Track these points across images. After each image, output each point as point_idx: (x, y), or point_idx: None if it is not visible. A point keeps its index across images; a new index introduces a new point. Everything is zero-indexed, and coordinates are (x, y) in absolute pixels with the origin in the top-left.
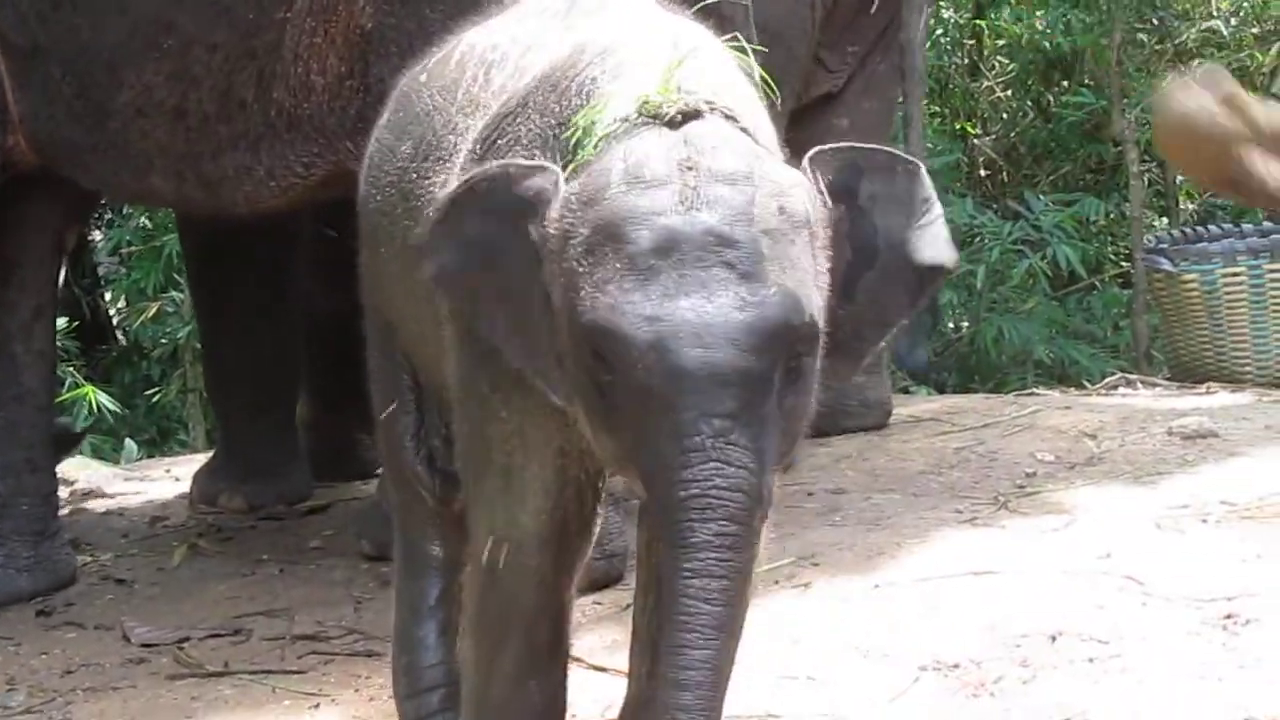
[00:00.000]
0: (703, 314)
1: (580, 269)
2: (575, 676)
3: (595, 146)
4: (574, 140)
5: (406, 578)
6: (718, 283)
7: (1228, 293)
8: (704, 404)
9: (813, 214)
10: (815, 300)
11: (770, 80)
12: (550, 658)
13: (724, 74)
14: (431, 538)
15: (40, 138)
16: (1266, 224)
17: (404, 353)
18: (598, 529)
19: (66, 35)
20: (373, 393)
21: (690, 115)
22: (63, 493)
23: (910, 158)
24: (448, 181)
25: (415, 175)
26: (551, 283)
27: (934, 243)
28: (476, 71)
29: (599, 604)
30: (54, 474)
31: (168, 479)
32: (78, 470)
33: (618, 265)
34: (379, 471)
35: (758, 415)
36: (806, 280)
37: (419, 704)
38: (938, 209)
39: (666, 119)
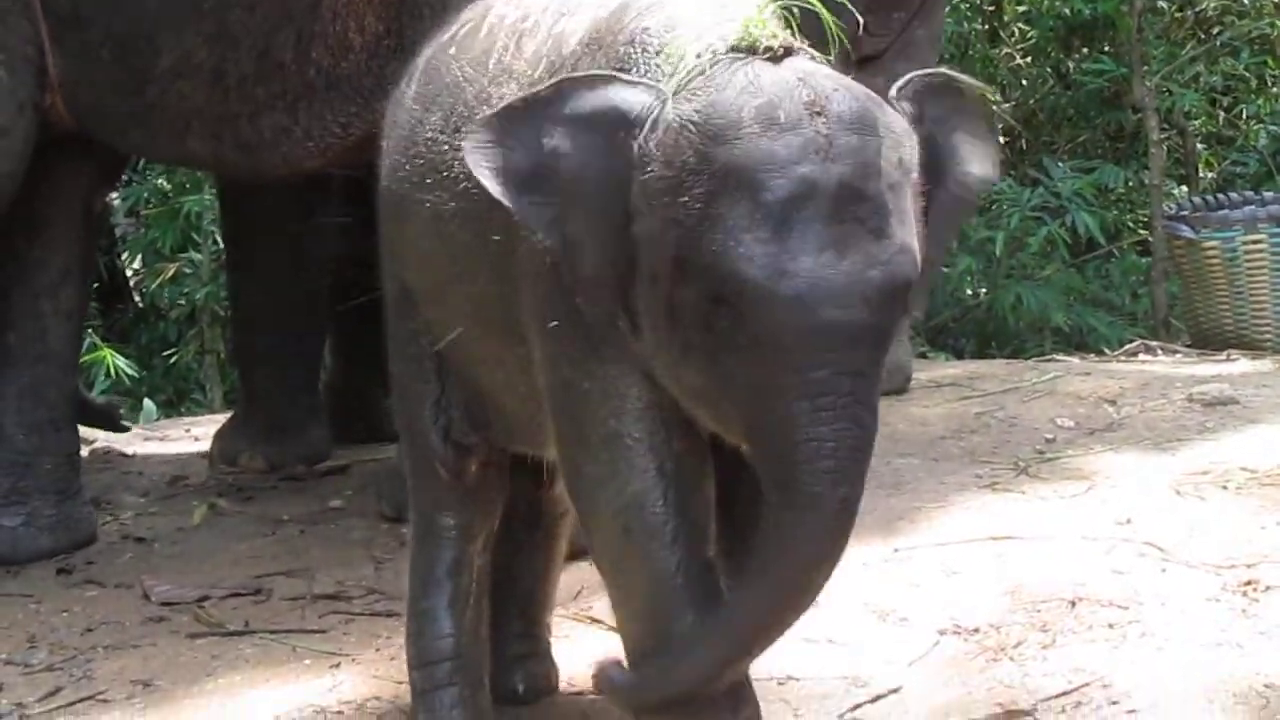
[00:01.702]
0: (839, 272)
1: (703, 208)
2: (598, 638)
3: (693, 76)
4: (670, 69)
5: (419, 548)
6: (851, 239)
7: (1249, 260)
8: (837, 362)
9: (917, 160)
10: (918, 249)
11: (838, 32)
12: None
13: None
14: (444, 509)
15: (78, 102)
16: None
17: (424, 322)
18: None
19: (106, 1)
20: (390, 362)
21: (789, 51)
22: (83, 452)
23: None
24: None
25: (446, 146)
26: (646, 209)
27: (985, 159)
28: (508, 41)
29: None
30: (76, 434)
31: (187, 439)
32: (98, 430)
33: (750, 212)
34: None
35: (878, 370)
36: (914, 230)
37: (428, 674)
38: (993, 125)
39: (768, 53)
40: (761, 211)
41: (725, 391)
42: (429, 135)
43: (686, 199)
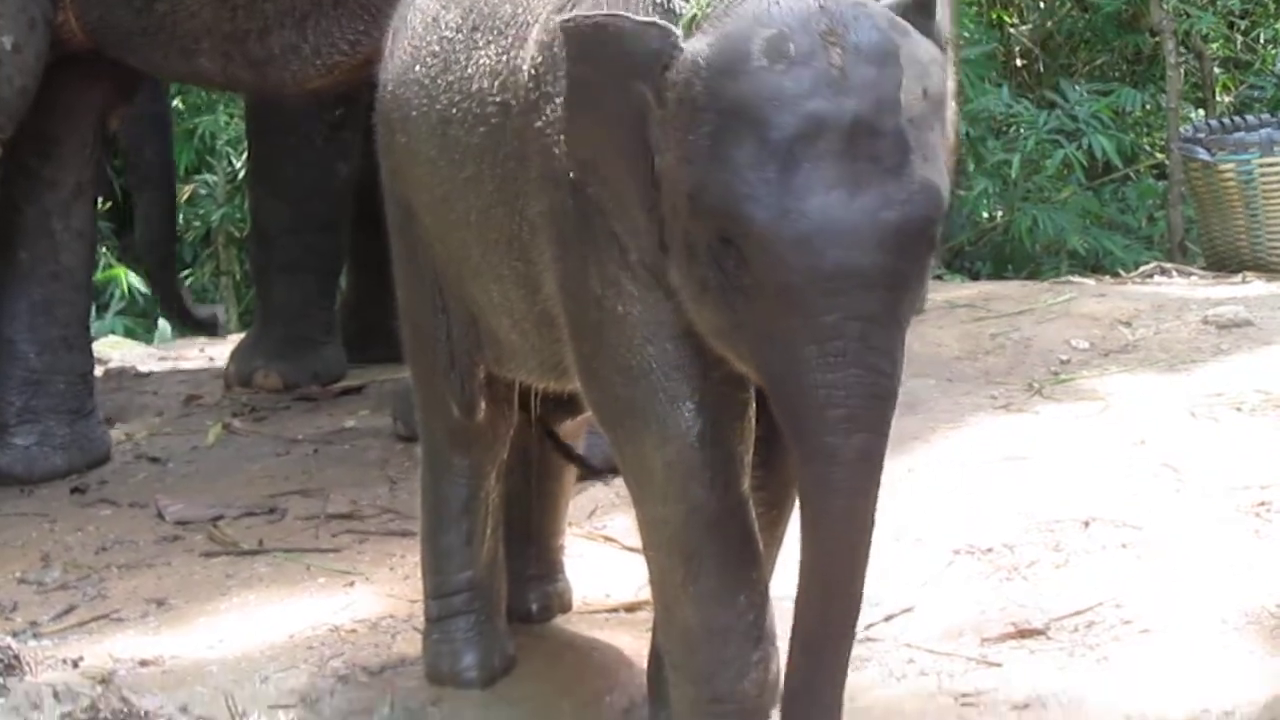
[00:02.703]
0: (849, 212)
1: (710, 145)
2: (610, 557)
3: (710, 8)
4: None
5: (431, 484)
6: (864, 177)
7: (1265, 183)
8: (847, 307)
9: (947, 89)
10: (947, 185)
11: None
12: (753, 568)
13: None
14: (456, 446)
15: (90, 18)
16: None
17: (426, 242)
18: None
19: None
20: (397, 288)
21: None
22: (97, 372)
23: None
24: (505, 53)
25: (461, 46)
26: (663, 147)
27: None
28: None
29: None
30: (90, 353)
31: (202, 358)
32: (112, 350)
33: (757, 150)
34: None
35: (897, 315)
36: (942, 167)
37: (445, 604)
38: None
39: None
40: (768, 149)
41: (740, 334)
42: (445, 34)
43: (695, 136)
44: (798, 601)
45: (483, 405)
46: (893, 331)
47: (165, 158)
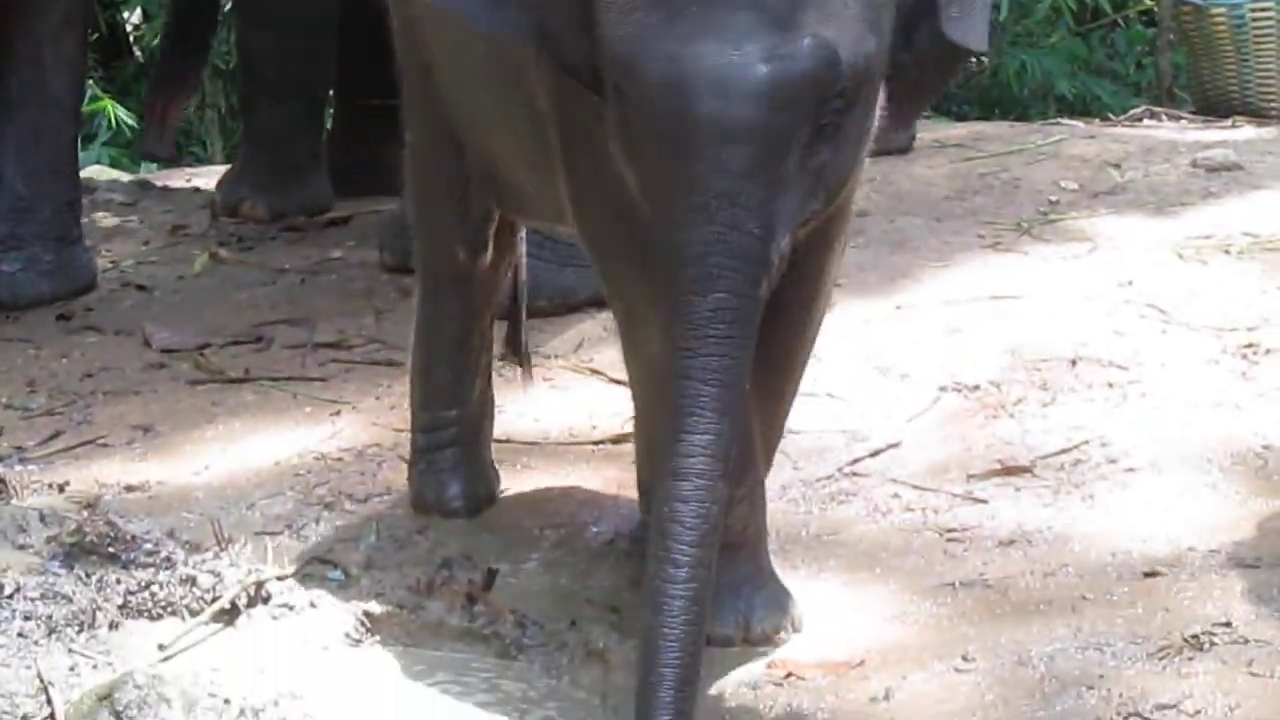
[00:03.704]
0: (725, 62)
1: None
2: (597, 389)
3: None
4: None
5: (426, 320)
6: (746, 28)
7: (1256, 27)
8: (714, 159)
9: None
10: (862, 51)
11: None
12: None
13: None
14: (457, 286)
15: None
16: None
17: (443, 91)
18: None
19: None
20: (408, 133)
21: None
22: (84, 201)
23: None
24: None
25: None
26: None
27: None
28: None
29: None
30: (77, 181)
31: (188, 189)
32: (99, 178)
33: None
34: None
35: (773, 176)
36: (852, 29)
37: (432, 437)
38: None
39: None
40: None
41: (638, 186)
42: None
43: None
44: (658, 466)
45: (490, 249)
46: (769, 192)
47: None
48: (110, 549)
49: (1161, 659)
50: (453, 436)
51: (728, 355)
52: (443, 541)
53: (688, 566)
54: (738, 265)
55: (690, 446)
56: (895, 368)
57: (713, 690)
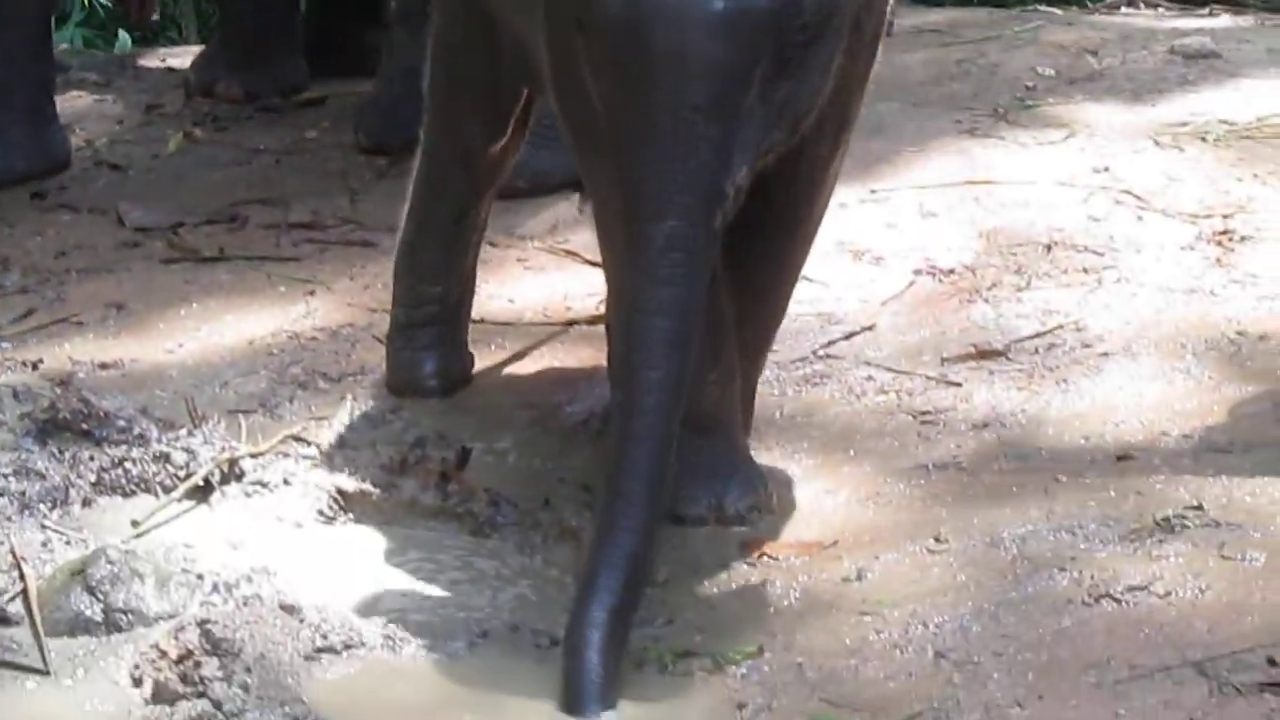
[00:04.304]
0: None
1: None
2: (572, 270)
3: None
4: None
5: (422, 196)
6: None
7: None
8: (671, 93)
9: None
10: None
11: None
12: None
13: None
14: (462, 165)
15: None
16: None
17: None
18: None
19: None
20: (434, 19)
21: None
22: (58, 80)
23: None
24: None
25: None
26: None
27: None
28: None
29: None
30: (52, 60)
31: (163, 68)
32: (73, 58)
33: None
34: (378, 68)
35: (731, 110)
36: None
37: (413, 313)
38: None
39: None
40: None
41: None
42: None
43: None
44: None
45: (510, 130)
46: (726, 125)
47: None
48: (84, 426)
49: (1133, 541)
50: (434, 314)
51: (680, 285)
52: (416, 420)
53: (640, 505)
54: (692, 196)
55: (643, 381)
56: (870, 251)
57: (685, 570)
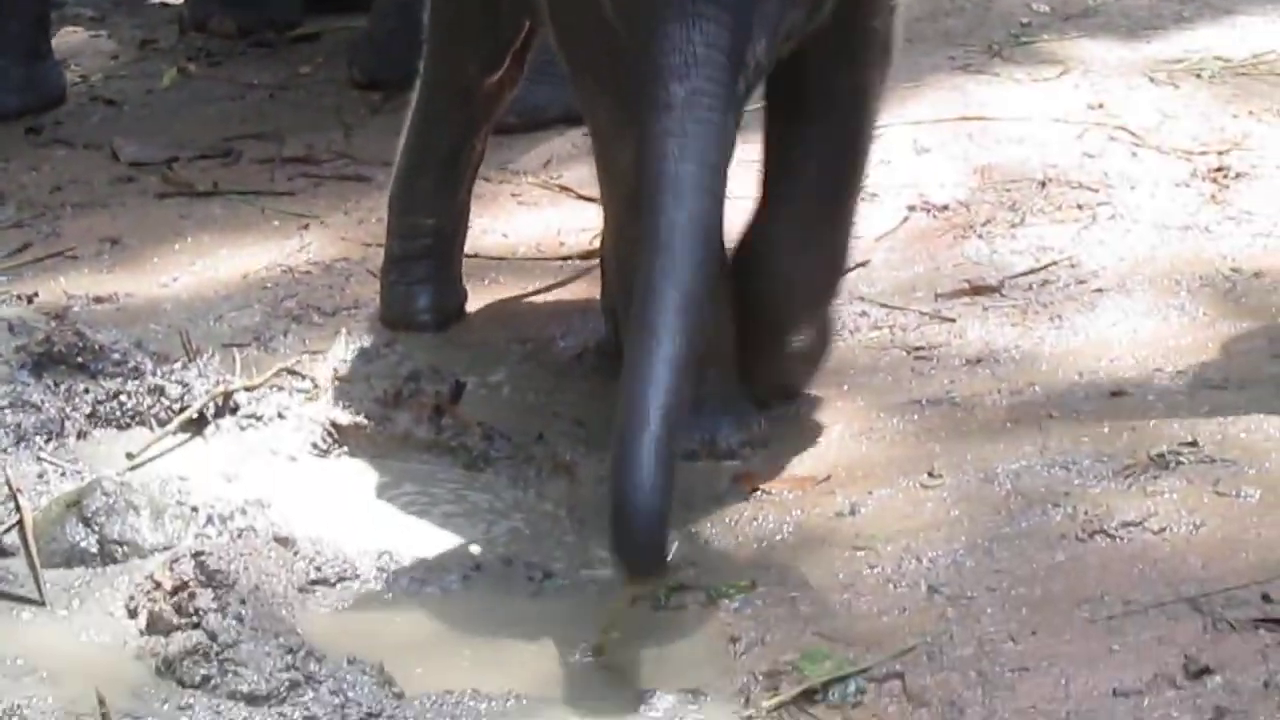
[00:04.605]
0: None
1: None
2: (566, 205)
3: None
4: None
5: (419, 129)
6: None
7: None
8: None
9: None
10: None
11: None
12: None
13: None
14: (462, 97)
15: None
16: None
17: None
18: None
19: None
20: None
21: None
22: (52, 16)
23: None
24: None
25: None
26: None
27: None
28: None
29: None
30: None
31: (157, 4)
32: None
33: None
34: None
35: (746, 26)
36: None
37: (407, 245)
38: None
39: None
40: None
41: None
42: None
43: None
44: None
45: (507, 63)
46: (736, 39)
47: None
48: (79, 359)
49: (1127, 477)
50: (428, 247)
51: (704, 138)
52: (410, 354)
53: (669, 341)
54: (715, 56)
55: (669, 221)
56: (864, 187)
57: (678, 505)
